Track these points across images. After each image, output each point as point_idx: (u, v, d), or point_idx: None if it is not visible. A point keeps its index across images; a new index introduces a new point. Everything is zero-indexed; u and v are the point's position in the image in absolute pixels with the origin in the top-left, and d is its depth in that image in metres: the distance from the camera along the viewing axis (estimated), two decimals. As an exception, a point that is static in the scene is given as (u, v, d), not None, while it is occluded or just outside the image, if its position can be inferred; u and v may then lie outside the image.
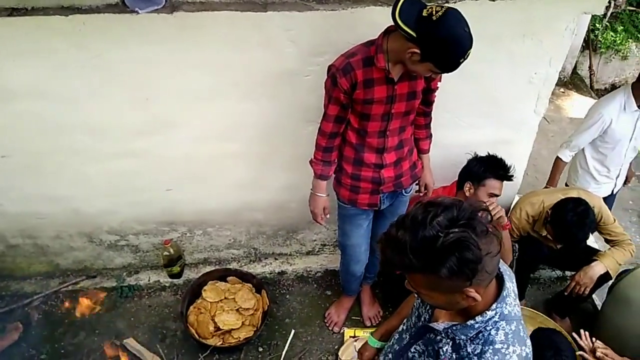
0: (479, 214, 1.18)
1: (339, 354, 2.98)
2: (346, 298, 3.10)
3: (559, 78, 5.73)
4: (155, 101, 2.48)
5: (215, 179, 2.86)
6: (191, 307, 3.04)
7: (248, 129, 2.68)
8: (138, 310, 3.17)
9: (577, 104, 5.58)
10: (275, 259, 3.38)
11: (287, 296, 3.28)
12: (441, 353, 1.42)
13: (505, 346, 1.29)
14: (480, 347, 1.31)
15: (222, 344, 2.90)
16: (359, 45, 2.10)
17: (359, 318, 3.16)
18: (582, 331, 2.61)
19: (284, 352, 2.97)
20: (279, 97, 2.55)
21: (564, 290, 2.99)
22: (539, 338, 2.29)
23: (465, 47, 1.85)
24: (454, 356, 1.38)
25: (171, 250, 3.09)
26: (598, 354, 2.48)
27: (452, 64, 1.90)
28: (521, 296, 3.25)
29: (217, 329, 2.93)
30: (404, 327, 1.71)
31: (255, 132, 2.70)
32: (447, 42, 1.83)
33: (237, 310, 3.01)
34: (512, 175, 2.69)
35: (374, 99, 2.12)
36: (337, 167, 2.41)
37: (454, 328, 1.36)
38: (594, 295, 3.25)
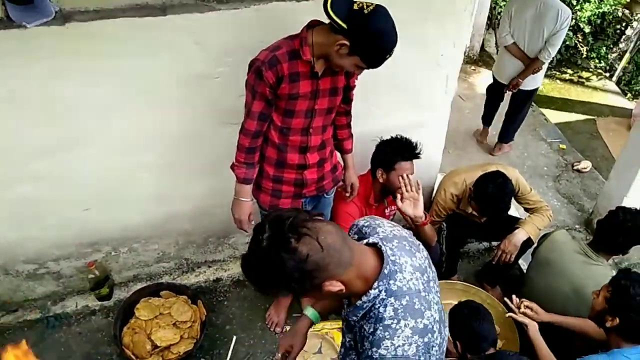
0: (300, 220, 1.23)
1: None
2: (283, 297, 3.08)
3: (469, 56, 5.99)
4: (58, 118, 2.33)
5: (134, 192, 2.75)
6: (125, 328, 2.91)
7: (163, 138, 2.58)
8: (68, 339, 2.99)
9: (488, 80, 5.79)
10: (209, 266, 3.30)
11: (225, 303, 3.22)
12: (357, 336, 1.46)
13: (395, 321, 1.31)
14: (372, 325, 1.34)
15: (161, 361, 2.81)
16: (281, 39, 2.07)
17: (299, 314, 3.14)
18: (513, 296, 2.75)
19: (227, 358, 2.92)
20: (191, 101, 2.48)
21: (492, 260, 3.12)
22: (459, 306, 2.40)
23: (392, 43, 1.90)
24: (357, 338, 1.43)
25: (97, 272, 2.94)
26: (522, 309, 2.63)
27: (377, 59, 1.94)
28: (453, 271, 3.37)
29: (155, 346, 2.82)
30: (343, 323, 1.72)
31: (171, 140, 2.61)
32: (376, 36, 1.86)
33: (174, 324, 2.92)
34: (420, 153, 2.70)
35: (299, 94, 2.10)
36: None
37: (348, 312, 1.41)
38: (520, 261, 3.41)
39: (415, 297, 1.36)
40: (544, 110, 5.65)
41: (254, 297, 3.25)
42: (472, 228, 3.19)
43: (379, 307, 1.33)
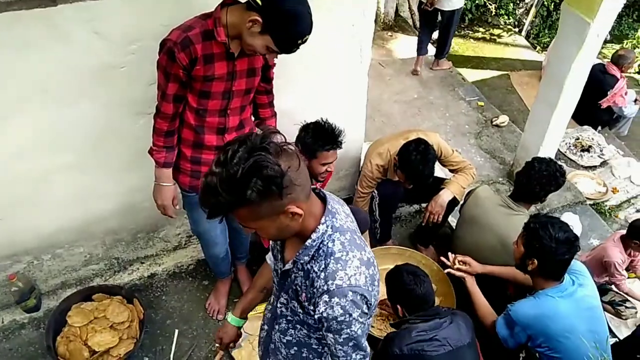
0: (270, 137, 1.26)
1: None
2: (221, 283, 3.04)
3: (385, 22, 6.03)
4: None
5: (51, 196, 2.59)
6: (58, 338, 2.78)
7: (76, 136, 2.44)
8: (-1, 357, 2.84)
9: (405, 45, 5.90)
10: (142, 263, 3.19)
11: (163, 297, 3.14)
12: (298, 289, 1.50)
13: (345, 253, 1.39)
14: (322, 262, 1.39)
15: (102, 366, 2.71)
16: (194, 18, 1.98)
17: (237, 299, 3.12)
18: (449, 254, 2.85)
19: (172, 355, 2.86)
20: (100, 95, 2.35)
21: (422, 222, 3.21)
22: (394, 271, 2.44)
23: (307, 27, 1.85)
24: (307, 283, 1.45)
25: (20, 284, 2.78)
26: (457, 265, 2.74)
27: (290, 42, 1.88)
28: (387, 236, 3.44)
29: (93, 352, 2.73)
30: (272, 297, 1.75)
31: (84, 138, 2.47)
32: (290, 16, 1.82)
33: (111, 327, 2.82)
34: (341, 142, 2.66)
35: (215, 76, 2.03)
36: None
37: (298, 255, 1.43)
38: (450, 219, 3.54)
39: (354, 234, 1.45)
40: (460, 70, 5.81)
41: (192, 289, 3.19)
42: (401, 193, 3.26)
43: (327, 242, 1.39)
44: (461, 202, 3.21)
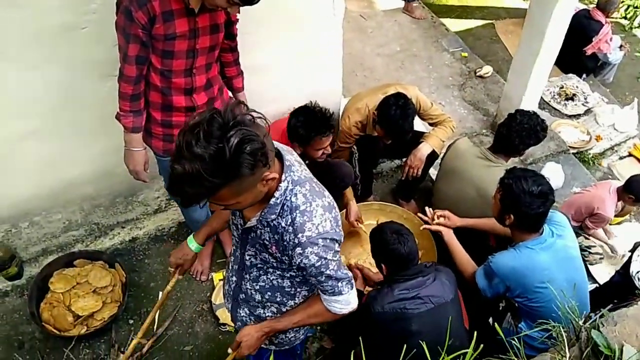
0: (239, 108, 1.25)
1: (212, 299, 2.96)
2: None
3: (366, -27, 5.82)
4: None
5: (22, 163, 2.56)
6: (42, 304, 2.80)
7: (40, 101, 2.39)
8: (-17, 325, 2.85)
9: (387, -4, 5.74)
10: (122, 227, 3.17)
11: (146, 261, 3.14)
12: (266, 243, 1.54)
13: (308, 204, 1.44)
14: (289, 216, 1.43)
15: (87, 330, 2.73)
16: None
17: (224, 260, 3.14)
18: (427, 208, 2.85)
19: (156, 316, 2.88)
20: (63, 57, 2.29)
21: (402, 176, 3.19)
22: (377, 230, 2.42)
23: None
24: (276, 237, 1.49)
25: (-1, 253, 2.77)
26: (436, 220, 2.75)
27: None
28: (369, 192, 3.44)
29: (77, 317, 2.75)
30: (233, 249, 1.78)
31: (51, 102, 2.42)
32: None
33: (94, 291, 2.84)
34: (333, 125, 2.63)
35: (176, 34, 1.96)
36: None
37: (263, 214, 1.46)
38: (431, 172, 3.53)
39: (312, 181, 1.50)
40: (444, 20, 5.67)
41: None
42: (381, 148, 3.23)
43: (290, 197, 1.43)
44: (441, 155, 3.19)
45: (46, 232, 2.96)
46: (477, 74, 4.88)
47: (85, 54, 2.29)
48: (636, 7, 6.97)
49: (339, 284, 1.57)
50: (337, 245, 1.51)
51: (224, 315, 2.87)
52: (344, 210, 3.06)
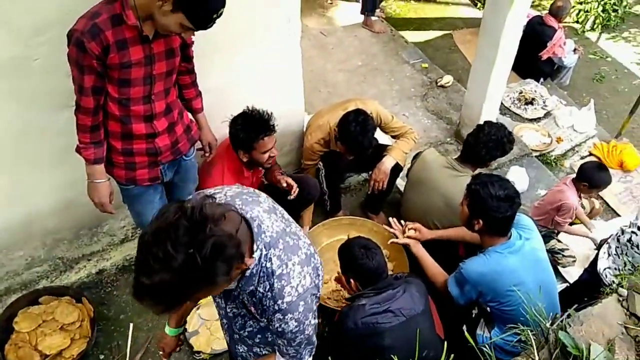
0: (207, 205, 1.18)
1: (186, 327, 2.90)
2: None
3: (324, -9, 5.90)
4: None
5: (-22, 200, 2.48)
6: (7, 346, 2.69)
7: (-3, 134, 2.32)
8: (-55, 372, 2.73)
9: (346, 12, 5.81)
10: (88, 260, 3.09)
11: (115, 292, 3.07)
12: (246, 302, 1.51)
13: (284, 266, 1.38)
14: (266, 282, 1.38)
15: (56, 369, 2.65)
16: (99, 4, 1.87)
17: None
18: (390, 219, 2.86)
19: (128, 349, 2.79)
20: (16, 89, 2.24)
21: (368, 190, 3.21)
22: (345, 246, 2.42)
23: (220, 1, 1.78)
24: (254, 300, 1.45)
25: (-41, 295, 2.67)
26: (407, 233, 2.76)
27: (205, 18, 1.80)
28: (338, 207, 3.44)
29: (45, 356, 2.65)
30: (217, 300, 1.76)
31: (7, 135, 2.35)
32: None
33: (61, 328, 2.74)
34: (274, 125, 2.57)
35: (132, 61, 1.94)
36: None
37: (241, 285, 1.41)
38: (400, 183, 3.55)
39: (285, 236, 1.43)
40: (403, 33, 5.77)
41: (144, 280, 3.12)
42: (347, 163, 3.24)
43: (265, 264, 1.36)
44: (408, 166, 3.22)
45: (8, 270, 2.87)
46: (438, 83, 4.96)
47: (39, 86, 2.25)
48: (587, 12, 7.22)
49: (304, 350, 1.54)
50: (316, 300, 1.48)
51: (197, 343, 2.81)
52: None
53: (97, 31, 1.82)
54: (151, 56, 1.99)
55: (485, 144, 2.84)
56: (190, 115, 2.43)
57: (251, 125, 2.53)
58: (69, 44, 1.88)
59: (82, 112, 2.01)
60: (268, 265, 1.36)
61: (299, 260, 1.41)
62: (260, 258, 1.35)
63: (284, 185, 2.85)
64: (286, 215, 1.55)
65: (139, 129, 2.15)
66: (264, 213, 1.42)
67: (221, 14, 1.81)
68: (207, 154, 2.57)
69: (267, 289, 1.38)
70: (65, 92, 2.23)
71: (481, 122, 4.06)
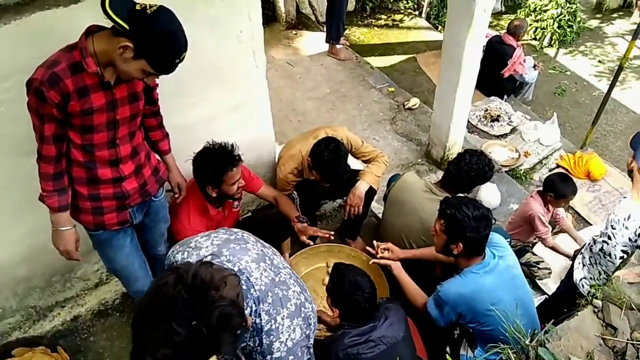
0: (207, 272, 1.16)
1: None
2: None
3: (288, 22, 6.03)
4: None
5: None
6: (-20, 403, 2.59)
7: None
8: None
9: (311, 41, 5.91)
10: (62, 307, 3.01)
11: (91, 339, 2.98)
12: (239, 354, 1.48)
13: (273, 321, 1.37)
14: (256, 338, 1.38)
15: None
16: (58, 52, 1.85)
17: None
18: (374, 242, 2.87)
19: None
20: (-21, 138, 2.19)
21: (344, 216, 3.22)
22: (338, 277, 2.37)
23: (182, 45, 1.79)
24: (245, 352, 1.45)
25: None
26: (379, 254, 2.76)
27: (167, 63, 1.81)
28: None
29: (20, 411, 2.56)
30: None
31: (-31, 186, 2.30)
32: (162, 37, 1.74)
33: (36, 380, 2.65)
34: (239, 156, 2.54)
35: (94, 108, 1.91)
36: None
37: None
38: (376, 207, 3.57)
39: (274, 287, 1.41)
40: (368, 59, 5.89)
41: (121, 323, 3.05)
42: (322, 190, 3.25)
43: (254, 319, 1.36)
44: (382, 190, 3.25)
45: (-22, 324, 2.77)
46: (406, 106, 5.06)
47: (4, 133, 2.21)
48: (543, 29, 7.49)
49: None
50: (307, 351, 1.46)
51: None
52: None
53: (56, 80, 1.79)
54: (113, 102, 1.97)
55: (467, 173, 2.85)
56: (157, 156, 2.41)
57: (217, 160, 2.51)
58: (28, 93, 1.85)
59: (43, 160, 1.97)
60: (257, 320, 1.36)
61: (288, 313, 1.40)
62: (250, 314, 1.35)
63: (307, 241, 2.93)
64: (276, 258, 1.53)
65: (105, 173, 2.11)
66: (252, 263, 1.41)
67: (183, 58, 1.81)
68: (176, 195, 2.54)
69: (256, 344, 1.37)
70: (30, 139, 2.18)
71: (450, 143, 4.19)
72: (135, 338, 1.11)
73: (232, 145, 2.52)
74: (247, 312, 1.33)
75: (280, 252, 2.99)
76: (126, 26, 1.69)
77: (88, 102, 1.89)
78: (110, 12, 1.68)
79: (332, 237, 2.93)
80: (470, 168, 2.85)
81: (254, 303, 1.36)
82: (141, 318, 1.11)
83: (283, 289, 1.44)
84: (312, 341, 1.49)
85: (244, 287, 1.34)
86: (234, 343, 1.16)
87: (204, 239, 1.47)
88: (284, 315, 1.39)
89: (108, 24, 1.73)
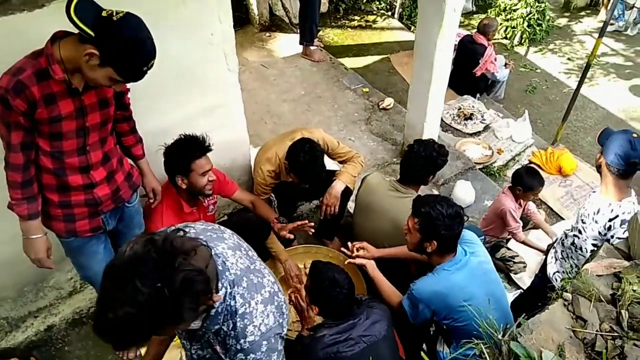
0: (177, 238, 1.18)
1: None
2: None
3: (262, 24, 6.01)
4: None
5: None
6: (-50, 419, 2.52)
7: None
8: None
9: (285, 43, 5.90)
10: (35, 317, 2.95)
11: (66, 348, 2.93)
12: (211, 341, 1.51)
13: (247, 304, 1.39)
14: (230, 321, 1.39)
15: None
16: (23, 59, 1.81)
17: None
18: (348, 243, 2.88)
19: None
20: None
21: (321, 216, 3.23)
22: (316, 275, 2.38)
23: (149, 53, 1.76)
24: (219, 339, 1.45)
25: None
26: (355, 253, 2.77)
27: (135, 71, 1.78)
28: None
29: None
30: (183, 342, 1.75)
31: None
32: (129, 44, 1.71)
33: (10, 393, 2.59)
34: (209, 145, 2.55)
35: (62, 115, 1.88)
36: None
37: (206, 324, 1.41)
38: (351, 207, 3.58)
39: (249, 273, 1.43)
40: (342, 60, 5.91)
41: (96, 332, 3.00)
42: (299, 192, 3.26)
43: (229, 301, 1.37)
44: (356, 190, 3.26)
45: (-53, 338, 2.71)
46: (380, 106, 5.08)
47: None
48: (513, 28, 7.61)
49: None
50: (281, 340, 1.48)
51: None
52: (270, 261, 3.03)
53: (22, 87, 1.76)
54: (82, 108, 1.94)
55: (417, 162, 2.91)
56: (131, 161, 2.38)
57: (185, 148, 2.52)
58: None
59: (11, 168, 1.94)
60: (232, 303, 1.37)
61: (262, 298, 1.41)
62: (225, 296, 1.36)
63: (288, 235, 2.92)
64: (251, 252, 1.55)
65: (75, 180, 2.08)
66: (228, 250, 1.43)
67: (152, 65, 1.79)
68: (151, 201, 2.52)
69: (230, 328, 1.38)
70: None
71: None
72: (100, 295, 1.13)
73: (204, 137, 2.52)
74: (222, 292, 1.34)
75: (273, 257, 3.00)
76: (91, 33, 1.67)
77: (56, 110, 1.86)
78: (75, 18, 1.65)
79: (312, 231, 2.95)
80: (419, 157, 2.90)
81: (229, 285, 1.37)
82: (109, 275, 1.12)
83: (258, 276, 1.46)
84: (285, 331, 1.51)
85: (220, 268, 1.36)
86: (195, 311, 1.17)
87: (181, 226, 1.48)
88: (258, 301, 1.41)
89: (75, 29, 1.70)
